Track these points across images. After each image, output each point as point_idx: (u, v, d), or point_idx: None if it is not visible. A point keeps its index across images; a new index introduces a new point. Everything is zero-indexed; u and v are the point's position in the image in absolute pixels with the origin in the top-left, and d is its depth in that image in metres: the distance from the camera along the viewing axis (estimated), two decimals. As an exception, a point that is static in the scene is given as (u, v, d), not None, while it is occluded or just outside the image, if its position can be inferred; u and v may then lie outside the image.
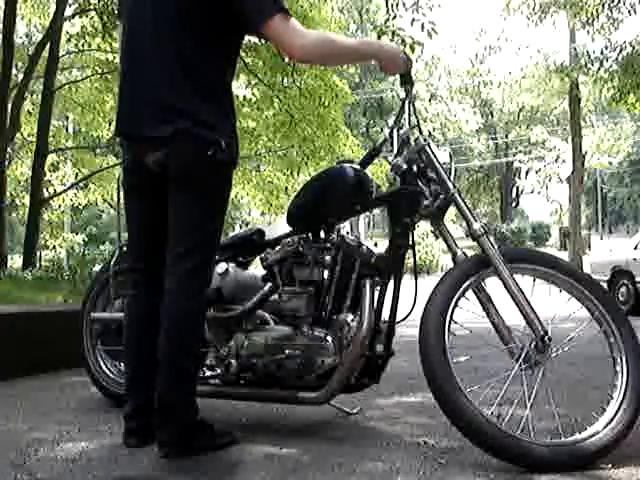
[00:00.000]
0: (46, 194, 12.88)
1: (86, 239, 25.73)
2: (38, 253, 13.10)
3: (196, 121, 2.00)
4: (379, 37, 7.74)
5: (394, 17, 7.51)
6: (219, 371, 2.45)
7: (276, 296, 2.41)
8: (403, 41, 7.26)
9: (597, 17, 12.69)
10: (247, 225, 26.15)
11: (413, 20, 7.34)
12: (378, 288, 2.26)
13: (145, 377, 2.12)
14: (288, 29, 1.99)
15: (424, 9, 7.30)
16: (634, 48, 12.07)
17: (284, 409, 2.64)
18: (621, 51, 12.32)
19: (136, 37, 2.09)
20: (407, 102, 2.34)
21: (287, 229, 2.45)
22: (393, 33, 7.31)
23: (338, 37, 2.17)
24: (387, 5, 7.69)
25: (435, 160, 2.21)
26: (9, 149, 10.93)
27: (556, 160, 31.75)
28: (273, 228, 2.57)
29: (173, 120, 1.99)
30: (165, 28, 2.03)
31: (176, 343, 2.04)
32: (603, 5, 12.37)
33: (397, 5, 7.55)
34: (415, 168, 2.25)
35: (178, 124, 1.99)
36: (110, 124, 11.45)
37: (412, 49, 7.33)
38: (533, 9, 14.34)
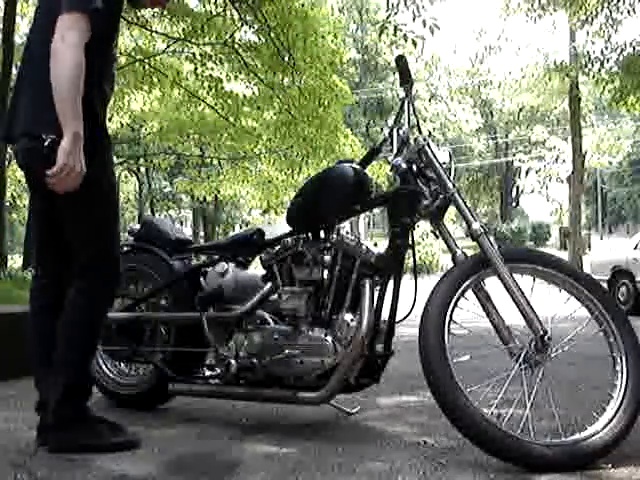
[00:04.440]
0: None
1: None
2: (38, 253, 13.06)
3: (37, 120, 2.02)
4: (381, 33, 7.73)
5: (395, 13, 7.50)
6: (219, 371, 2.45)
7: (276, 296, 2.41)
8: (405, 36, 7.24)
9: (596, 16, 12.67)
10: (247, 225, 26.15)
11: (415, 17, 7.33)
12: (378, 288, 2.26)
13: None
14: (69, 29, 1.93)
15: (424, 3, 7.27)
16: (635, 49, 12.05)
17: (284, 409, 2.64)
18: (622, 52, 12.31)
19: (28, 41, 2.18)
20: (407, 102, 2.34)
21: (287, 229, 2.45)
22: (395, 28, 7.29)
23: (77, 86, 1.93)
24: (388, 3, 7.68)
25: (435, 160, 2.21)
26: (9, 149, 10.93)
27: (556, 160, 31.71)
28: (273, 228, 2.57)
29: (25, 121, 2.05)
30: (40, 35, 2.05)
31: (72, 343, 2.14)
32: (602, 4, 12.35)
33: (398, 4, 7.55)
34: (415, 168, 2.25)
35: (25, 126, 2.04)
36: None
37: (414, 44, 7.31)
38: (532, 5, 14.32)
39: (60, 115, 1.94)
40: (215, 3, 7.56)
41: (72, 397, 2.12)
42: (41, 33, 2.05)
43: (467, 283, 2.08)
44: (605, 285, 8.27)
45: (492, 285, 2.16)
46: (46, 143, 1.97)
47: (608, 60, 12.54)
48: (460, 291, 2.06)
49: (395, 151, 2.30)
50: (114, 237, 2.21)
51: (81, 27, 1.95)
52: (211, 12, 7.58)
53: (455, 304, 2.04)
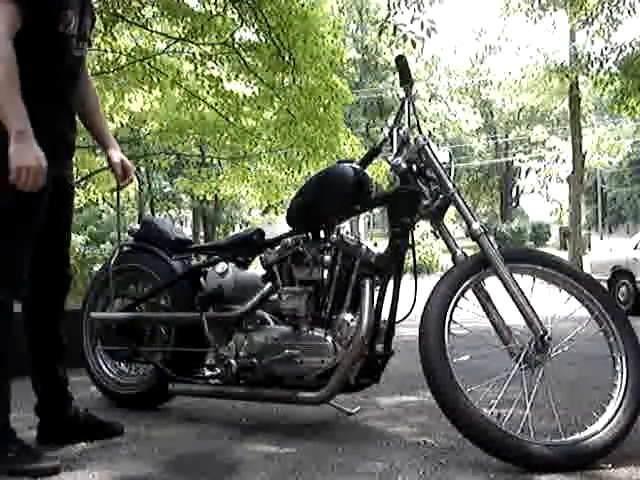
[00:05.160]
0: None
1: (88, 239, 25.72)
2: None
3: None
4: (380, 33, 7.73)
5: (395, 13, 7.50)
6: (219, 371, 2.45)
7: (276, 296, 2.41)
8: (404, 37, 7.24)
9: (596, 17, 12.65)
10: (247, 225, 26.16)
11: (413, 18, 7.34)
12: (378, 288, 2.26)
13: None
14: None
15: (424, 5, 7.28)
16: (634, 49, 12.02)
17: (284, 409, 2.64)
18: (621, 52, 12.28)
19: None
20: (407, 102, 2.34)
21: (287, 229, 2.45)
22: (395, 28, 7.29)
23: (12, 73, 1.86)
24: (388, 3, 7.68)
25: (435, 160, 2.21)
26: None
27: (556, 160, 31.68)
28: (273, 228, 2.57)
29: None
30: None
31: None
32: (602, 4, 12.33)
33: (399, 4, 7.55)
34: (415, 168, 2.25)
35: None
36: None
37: (413, 45, 7.30)
38: (532, 5, 14.31)
39: (1, 117, 1.86)
40: (215, 3, 7.55)
41: None
42: None
43: (467, 283, 2.08)
44: (605, 285, 8.27)
45: (492, 285, 2.16)
46: None
47: (607, 60, 12.51)
48: (460, 291, 2.06)
49: (395, 151, 2.30)
50: (11, 251, 2.01)
51: (2, 16, 1.85)
52: (211, 12, 7.57)
53: (455, 304, 2.04)
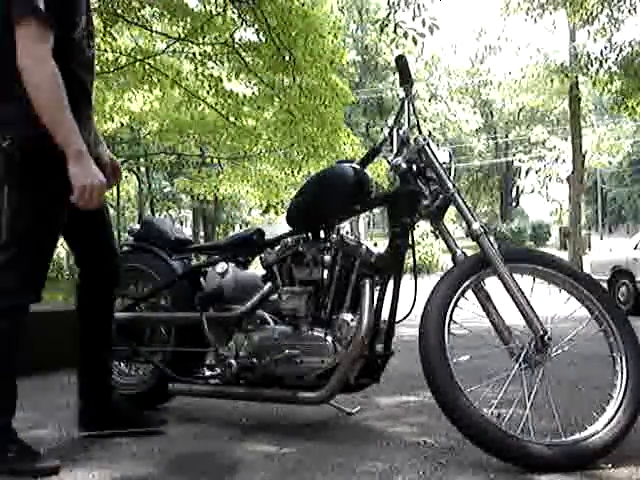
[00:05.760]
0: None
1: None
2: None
3: None
4: (381, 30, 7.73)
5: (395, 11, 7.51)
6: (219, 371, 2.45)
7: (276, 296, 2.41)
8: (405, 34, 7.24)
9: (597, 16, 12.64)
10: (247, 225, 26.16)
11: (415, 16, 7.33)
12: (378, 288, 2.26)
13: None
14: (32, 40, 1.85)
15: (424, 2, 7.26)
16: (633, 48, 12.00)
17: (284, 409, 2.64)
18: (620, 51, 12.26)
19: None
20: (407, 102, 2.34)
21: (287, 229, 2.45)
22: (396, 26, 7.29)
23: (63, 99, 1.88)
24: (388, 2, 7.69)
25: (435, 160, 2.21)
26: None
27: (556, 160, 31.66)
28: (273, 228, 2.57)
29: None
30: None
31: None
32: (603, 4, 12.31)
33: (398, 3, 7.55)
34: (415, 168, 2.25)
35: None
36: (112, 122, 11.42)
37: (414, 42, 7.30)
38: (532, 5, 14.28)
39: (56, 136, 1.87)
40: (215, 3, 7.56)
41: None
42: None
43: (467, 283, 2.08)
44: (605, 285, 8.26)
45: (492, 285, 2.16)
46: (5, 144, 1.91)
47: (607, 60, 12.49)
48: (460, 291, 2.06)
49: (395, 151, 2.30)
50: (34, 254, 2.01)
51: (42, 34, 1.86)
52: (211, 12, 7.58)
53: (455, 304, 2.04)
